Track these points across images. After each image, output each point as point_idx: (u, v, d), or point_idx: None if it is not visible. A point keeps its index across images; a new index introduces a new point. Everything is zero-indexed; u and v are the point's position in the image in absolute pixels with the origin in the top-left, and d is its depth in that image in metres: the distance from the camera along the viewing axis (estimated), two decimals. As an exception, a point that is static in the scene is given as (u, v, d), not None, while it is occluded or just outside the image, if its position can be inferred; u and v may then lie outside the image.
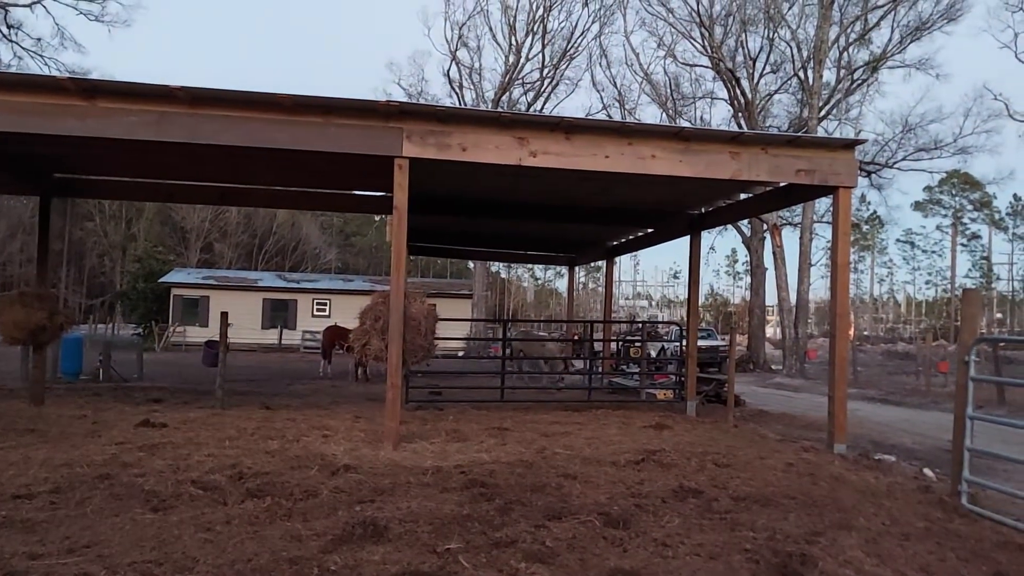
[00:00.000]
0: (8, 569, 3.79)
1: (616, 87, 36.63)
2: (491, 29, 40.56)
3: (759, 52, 31.19)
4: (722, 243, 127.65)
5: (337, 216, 65.91)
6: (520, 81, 38.34)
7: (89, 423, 8.79)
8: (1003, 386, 14.65)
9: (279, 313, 35.75)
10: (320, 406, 11.33)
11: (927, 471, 7.68)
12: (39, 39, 26.04)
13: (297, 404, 11.49)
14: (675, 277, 74.35)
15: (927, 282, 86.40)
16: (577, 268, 23.23)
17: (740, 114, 30.97)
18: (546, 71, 38.33)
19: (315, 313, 35.67)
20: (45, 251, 11.90)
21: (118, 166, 11.28)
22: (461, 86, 38.24)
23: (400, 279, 8.18)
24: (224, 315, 11.34)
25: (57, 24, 26.54)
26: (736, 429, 10.08)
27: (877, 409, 14.77)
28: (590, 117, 27.40)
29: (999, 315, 77.56)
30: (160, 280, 36.31)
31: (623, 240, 16.79)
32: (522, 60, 37.68)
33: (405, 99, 32.33)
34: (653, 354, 19.59)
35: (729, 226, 32.61)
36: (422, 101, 34.49)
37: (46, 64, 25.64)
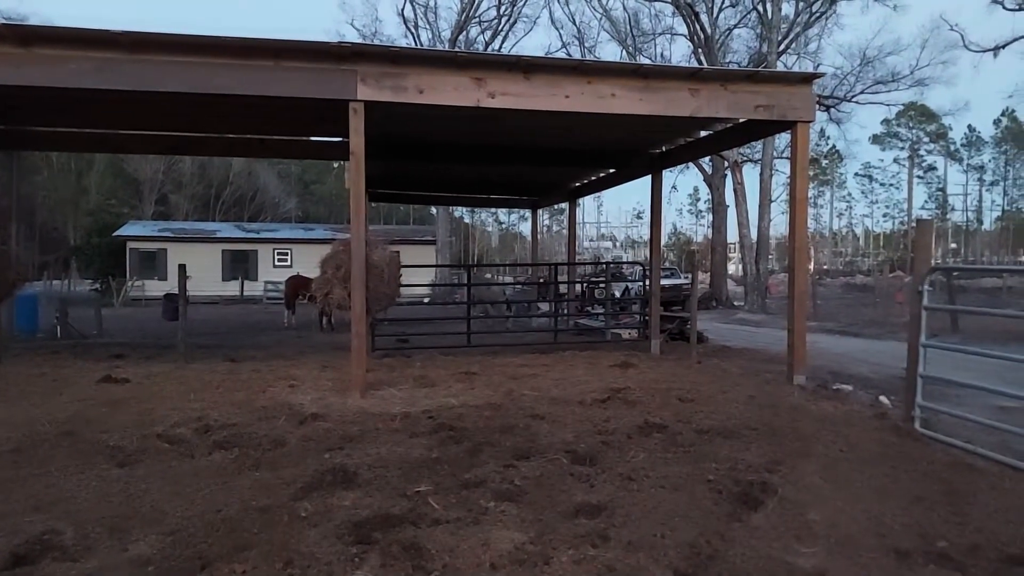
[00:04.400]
0: (-28, 529, 3.75)
1: (575, 24, 36.21)
2: (446, -34, 39.44)
3: (718, -15, 30.86)
4: (684, 181, 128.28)
5: (295, 164, 64.52)
6: (477, 19, 37.43)
7: (49, 381, 8.64)
8: (956, 314, 15.05)
9: (240, 264, 35.28)
10: (285, 357, 11.26)
11: (883, 398, 7.92)
12: (-31, -16, 24.72)
13: (262, 355, 11.40)
14: (638, 217, 74.63)
15: (885, 215, 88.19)
16: (541, 211, 23.19)
17: (700, 50, 30.74)
18: (503, 8, 37.43)
19: (276, 263, 35.26)
20: (-9, 207, 11.52)
21: (63, 116, 10.87)
22: (417, 26, 37.27)
23: (360, 226, 8.08)
24: (182, 268, 11.13)
25: (-12, -33, 25.12)
26: (699, 365, 10.27)
27: (836, 341, 15.12)
28: (549, 56, 27.01)
29: (953, 245, 79.54)
30: (115, 234, 35.50)
31: (585, 181, 16.74)
32: (478, -3, 36.77)
33: (359, 40, 31.49)
34: (617, 294, 19.79)
35: (691, 164, 32.67)
36: (376, 42, 33.61)
37: (-21, 11, 24.38)
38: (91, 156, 50.26)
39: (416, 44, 35.59)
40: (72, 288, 29.42)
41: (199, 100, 8.52)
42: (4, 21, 9.63)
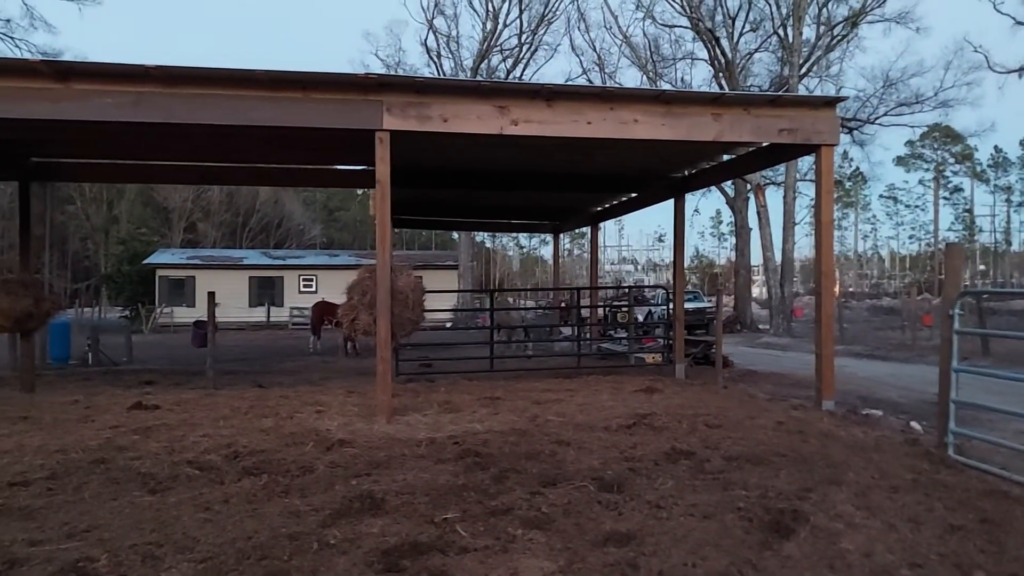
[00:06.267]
0: (8, 556, 3.80)
1: (595, 51, 36.41)
2: (467, -5, 40.05)
3: (738, 10, 30.94)
4: (706, 205, 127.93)
5: (320, 191, 65.42)
6: (499, 48, 37.83)
7: (82, 408, 8.77)
8: (987, 338, 14.83)
9: (266, 291, 35.65)
10: (312, 382, 11.35)
11: (914, 424, 7.81)
12: (8, 20, 25.39)
13: (289, 381, 11.50)
14: (660, 240, 74.37)
15: (911, 237, 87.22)
16: (562, 235, 23.20)
17: (721, 74, 30.80)
18: (524, 37, 37.80)
19: (302, 289, 35.58)
20: (27, 237, 11.77)
21: (97, 148, 11.14)
22: (439, 55, 37.75)
23: (385, 253, 8.16)
24: (211, 295, 11.30)
25: (26, 4, 25.70)
26: (725, 390, 10.18)
27: (864, 364, 14.94)
28: (570, 83, 27.24)
29: (982, 267, 78.43)
30: (145, 262, 36.04)
31: (607, 206, 16.78)
32: (500, 26, 37.12)
33: (383, 70, 32.00)
34: (640, 318, 19.71)
35: (713, 187, 32.62)
36: (400, 72, 34.07)
37: (16, 46, 24.93)
38: (122, 186, 51.27)
39: (439, 73, 36.02)
40: (103, 316, 29.90)
41: (228, 131, 8.70)
42: (42, 57, 9.91)
